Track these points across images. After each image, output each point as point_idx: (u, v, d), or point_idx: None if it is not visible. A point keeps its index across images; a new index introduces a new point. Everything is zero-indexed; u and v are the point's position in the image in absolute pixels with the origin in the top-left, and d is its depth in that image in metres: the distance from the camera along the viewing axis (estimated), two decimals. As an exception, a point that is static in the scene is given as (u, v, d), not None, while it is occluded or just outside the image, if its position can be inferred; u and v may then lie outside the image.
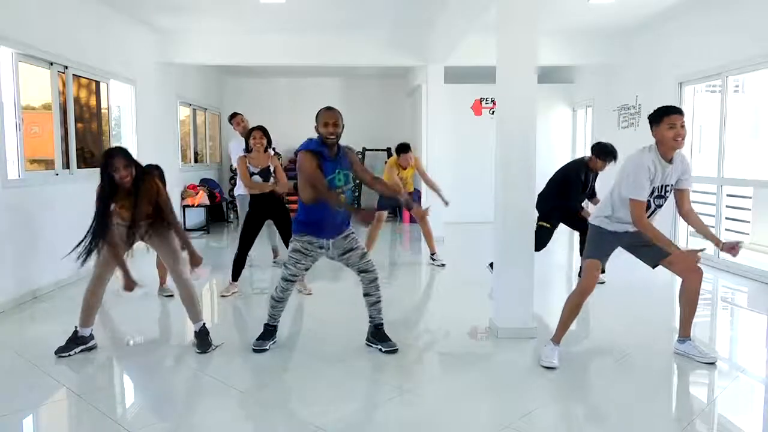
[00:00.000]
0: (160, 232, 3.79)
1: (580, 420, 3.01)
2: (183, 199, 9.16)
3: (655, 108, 3.43)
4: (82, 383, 3.41)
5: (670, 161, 3.37)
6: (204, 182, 10.08)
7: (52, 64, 5.59)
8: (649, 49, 7.72)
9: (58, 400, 3.20)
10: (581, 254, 5.68)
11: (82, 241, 3.57)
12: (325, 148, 3.58)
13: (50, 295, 5.28)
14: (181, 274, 3.80)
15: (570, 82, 10.48)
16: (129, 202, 3.64)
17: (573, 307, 3.54)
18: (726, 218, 6.63)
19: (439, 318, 4.82)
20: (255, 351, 3.73)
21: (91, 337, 3.78)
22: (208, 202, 9.48)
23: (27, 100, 5.46)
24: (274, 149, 5.64)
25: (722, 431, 2.91)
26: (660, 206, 3.46)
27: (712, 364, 3.51)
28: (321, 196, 3.48)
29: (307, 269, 3.83)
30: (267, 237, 6.29)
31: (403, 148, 6.48)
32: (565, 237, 8.01)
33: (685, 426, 2.82)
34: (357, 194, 11.70)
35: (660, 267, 3.59)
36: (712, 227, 6.60)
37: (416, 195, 7.78)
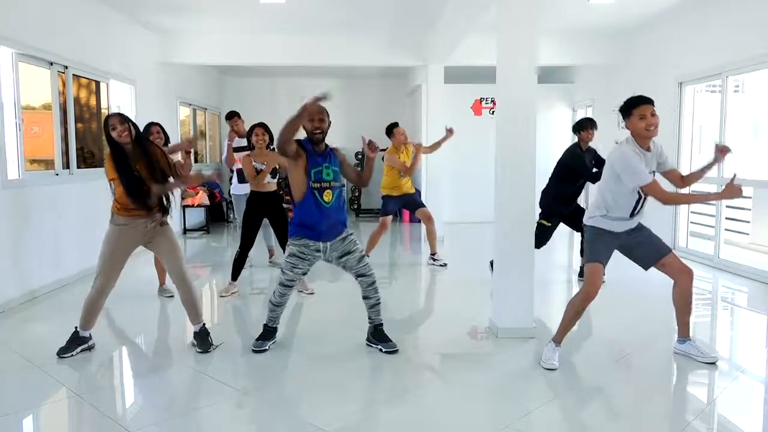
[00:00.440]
0: (162, 232, 3.77)
1: (580, 420, 3.00)
2: (183, 199, 9.16)
3: (624, 100, 3.45)
4: (82, 383, 3.41)
5: (648, 149, 3.41)
6: (204, 182, 10.07)
7: (52, 64, 5.59)
8: (649, 49, 7.72)
9: (58, 400, 3.20)
10: (581, 255, 5.69)
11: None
12: (311, 144, 3.58)
13: (50, 295, 5.27)
14: (182, 274, 3.79)
15: (570, 82, 10.48)
16: (142, 164, 3.63)
17: (576, 312, 3.53)
18: (726, 218, 6.63)
19: (439, 318, 4.82)
20: (255, 351, 3.73)
21: (90, 336, 3.78)
22: (208, 202, 9.49)
23: (27, 100, 5.47)
24: (274, 148, 5.63)
25: (722, 431, 2.91)
26: (647, 195, 3.45)
27: (713, 363, 3.51)
28: (288, 130, 3.33)
29: (304, 273, 3.81)
30: (263, 237, 6.28)
31: (389, 129, 6.42)
32: (565, 237, 8.01)
33: (685, 426, 2.82)
34: (357, 194, 11.71)
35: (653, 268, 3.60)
36: (712, 227, 6.61)
37: (417, 194, 7.75)
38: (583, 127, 5.41)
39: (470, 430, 2.80)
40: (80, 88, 6.35)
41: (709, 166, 3.56)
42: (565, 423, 2.98)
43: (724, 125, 6.23)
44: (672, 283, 3.55)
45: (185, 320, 3.94)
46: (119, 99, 7.19)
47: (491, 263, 5.05)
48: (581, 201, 5.74)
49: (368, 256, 6.48)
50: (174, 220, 8.76)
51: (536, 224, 5.36)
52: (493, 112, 9.85)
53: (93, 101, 6.76)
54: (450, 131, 6.59)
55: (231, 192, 6.45)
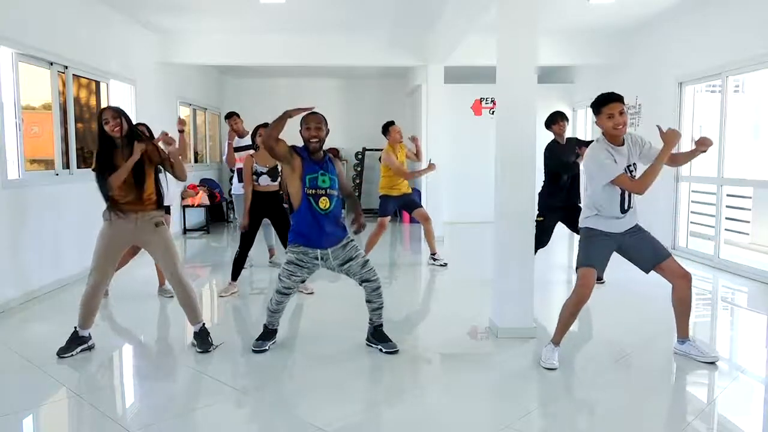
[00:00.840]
0: (157, 232, 3.76)
1: (579, 420, 3.00)
2: (183, 199, 9.16)
3: (595, 97, 3.48)
4: (82, 383, 3.41)
5: (621, 144, 3.45)
6: (204, 182, 10.08)
7: (52, 64, 5.59)
8: (649, 49, 7.72)
9: (58, 400, 3.20)
10: None
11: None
12: (307, 152, 3.58)
13: (50, 295, 5.27)
14: (178, 276, 3.78)
15: (570, 82, 10.49)
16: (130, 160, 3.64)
17: (570, 313, 3.54)
18: (726, 218, 6.63)
19: (439, 318, 4.82)
20: (255, 351, 3.73)
21: (90, 336, 3.78)
22: (208, 202, 9.49)
23: (27, 100, 5.47)
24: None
25: (722, 431, 2.91)
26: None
27: (713, 363, 3.51)
28: (271, 132, 3.44)
29: (303, 281, 3.81)
30: (263, 236, 6.28)
31: (385, 127, 6.42)
32: (565, 237, 8.00)
33: (685, 426, 2.82)
34: (357, 194, 11.70)
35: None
36: (712, 227, 6.61)
37: (417, 194, 7.79)
38: (553, 121, 5.44)
39: (470, 430, 2.79)
40: (80, 88, 6.35)
41: (692, 153, 3.55)
42: (565, 423, 2.98)
43: (724, 125, 6.23)
44: (670, 288, 3.56)
45: (185, 320, 3.94)
46: (119, 99, 7.19)
47: None
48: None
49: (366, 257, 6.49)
50: (174, 220, 8.76)
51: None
52: (493, 112, 9.85)
53: (93, 101, 6.76)
54: (432, 167, 6.58)
55: (231, 192, 6.45)
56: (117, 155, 3.66)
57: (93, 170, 3.70)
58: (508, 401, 3.15)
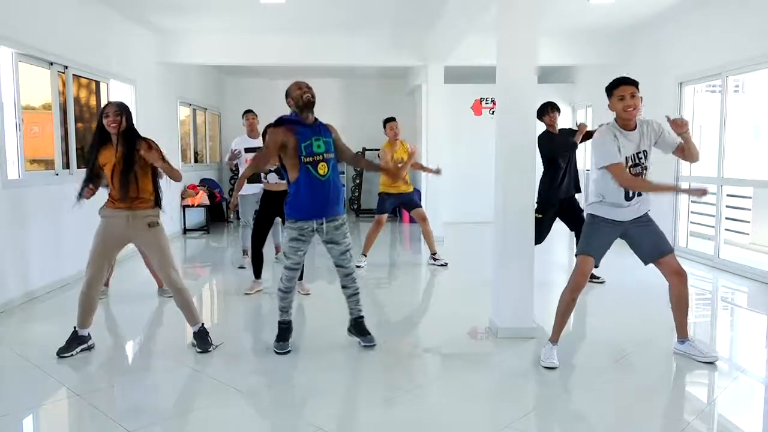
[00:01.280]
0: (151, 233, 3.74)
1: (579, 420, 3.00)
2: (183, 199, 9.16)
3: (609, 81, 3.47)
4: (82, 383, 3.41)
5: (632, 129, 3.42)
6: (204, 182, 10.09)
7: (52, 64, 5.59)
8: (649, 49, 7.72)
9: (58, 400, 3.20)
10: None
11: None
12: (298, 117, 3.58)
13: (50, 295, 5.27)
14: (173, 279, 3.76)
15: (570, 82, 10.48)
16: (120, 156, 3.61)
17: (566, 304, 3.55)
18: (726, 218, 6.63)
19: (438, 318, 4.82)
20: (278, 353, 3.69)
21: (89, 336, 3.78)
22: (208, 202, 9.48)
23: (27, 100, 5.46)
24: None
25: (722, 431, 2.91)
26: (639, 175, 3.42)
27: (713, 363, 3.51)
28: (257, 166, 3.78)
29: (305, 253, 3.80)
30: (272, 234, 6.27)
31: (383, 123, 6.43)
32: (564, 237, 8.00)
33: (685, 426, 2.82)
34: (357, 194, 11.70)
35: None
36: (712, 227, 6.61)
37: (417, 194, 7.77)
38: (544, 112, 5.43)
39: (470, 430, 2.79)
40: (80, 88, 6.35)
41: (686, 141, 3.50)
42: (565, 423, 2.98)
43: (724, 125, 6.23)
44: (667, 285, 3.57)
45: (185, 320, 3.93)
46: (119, 99, 7.19)
47: None
48: (580, 199, 5.72)
49: (366, 255, 6.50)
50: (174, 220, 8.78)
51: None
52: (493, 112, 9.85)
53: (93, 101, 6.76)
54: (437, 171, 6.65)
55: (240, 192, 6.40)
56: (106, 151, 3.64)
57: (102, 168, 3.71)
58: (508, 401, 3.15)
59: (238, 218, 6.61)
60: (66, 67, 5.82)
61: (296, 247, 3.67)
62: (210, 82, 11.07)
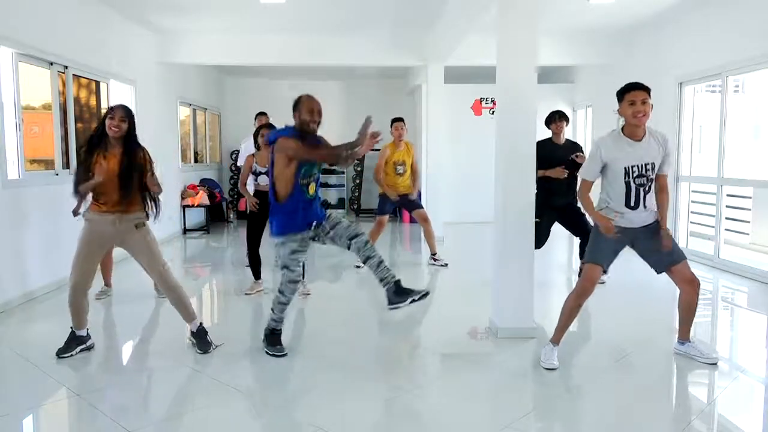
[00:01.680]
0: (137, 234, 3.71)
1: (579, 420, 3.00)
2: (183, 199, 9.16)
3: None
4: (82, 383, 3.41)
5: (640, 139, 3.37)
6: (204, 182, 10.09)
7: (52, 64, 5.59)
8: (649, 49, 7.72)
9: (58, 400, 3.20)
10: (581, 257, 5.65)
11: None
12: (302, 138, 3.52)
13: (50, 295, 5.27)
14: (165, 276, 3.75)
15: (570, 82, 10.48)
16: (115, 161, 3.59)
17: (571, 309, 3.54)
18: (726, 218, 6.63)
19: (439, 318, 4.81)
20: (276, 356, 3.66)
21: (88, 336, 3.78)
22: (208, 202, 9.49)
23: (27, 100, 5.46)
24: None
25: (722, 431, 2.91)
26: (643, 186, 3.38)
27: (714, 364, 3.51)
28: (325, 156, 3.54)
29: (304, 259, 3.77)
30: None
31: (394, 120, 6.39)
32: (564, 238, 8.00)
33: (685, 426, 2.82)
34: (357, 194, 11.70)
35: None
36: (712, 227, 6.61)
37: (417, 194, 7.75)
38: (552, 120, 5.41)
39: (470, 430, 2.79)
40: (80, 88, 6.35)
41: (662, 221, 3.50)
42: (565, 423, 2.98)
43: (724, 125, 6.23)
44: (677, 290, 3.56)
45: (184, 320, 3.93)
46: (119, 99, 7.19)
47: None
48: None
49: None
50: (174, 220, 8.77)
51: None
52: (493, 112, 9.85)
53: (93, 101, 6.76)
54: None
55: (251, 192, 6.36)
56: (100, 154, 3.60)
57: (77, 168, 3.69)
58: (508, 401, 3.15)
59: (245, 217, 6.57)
60: (66, 67, 5.82)
61: (297, 258, 3.64)
62: (210, 82, 11.07)
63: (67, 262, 5.52)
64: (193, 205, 9.28)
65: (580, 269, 5.60)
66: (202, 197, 9.37)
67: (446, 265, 6.49)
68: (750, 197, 7.90)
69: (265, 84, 11.74)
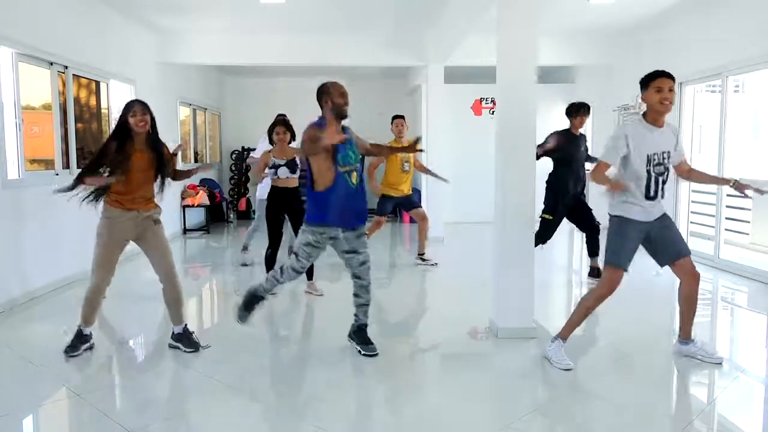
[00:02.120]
0: (153, 229, 3.76)
1: (579, 420, 3.00)
2: (183, 199, 9.16)
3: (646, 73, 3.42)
4: (82, 383, 3.41)
5: (661, 126, 3.37)
6: (204, 182, 10.08)
7: (52, 64, 5.59)
8: (649, 49, 7.72)
9: (58, 400, 3.20)
10: (590, 254, 5.66)
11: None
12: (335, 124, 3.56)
13: (50, 295, 5.27)
14: (174, 273, 3.79)
15: (570, 82, 10.48)
16: (146, 156, 3.64)
17: (587, 309, 3.51)
18: (726, 218, 6.62)
19: (438, 318, 4.82)
20: (240, 323, 3.72)
21: (91, 335, 3.78)
22: (208, 202, 9.48)
23: (27, 100, 5.46)
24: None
25: (722, 431, 2.91)
26: (661, 175, 3.36)
27: (719, 364, 3.50)
28: (324, 144, 3.44)
29: (316, 258, 3.78)
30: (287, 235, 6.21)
31: (394, 117, 6.39)
32: (564, 237, 8.01)
33: (685, 426, 2.82)
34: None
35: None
36: (712, 227, 6.61)
37: (416, 194, 7.77)
38: (577, 112, 5.38)
39: (470, 430, 2.79)
40: (80, 88, 6.35)
41: (722, 182, 3.53)
42: (565, 423, 2.98)
43: (724, 125, 6.23)
44: (677, 284, 3.55)
45: (185, 320, 3.93)
46: (119, 99, 7.19)
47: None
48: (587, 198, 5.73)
49: None
50: (174, 220, 8.77)
51: (539, 219, 5.35)
52: (493, 112, 9.84)
53: (93, 101, 6.76)
54: (446, 180, 6.69)
55: (257, 196, 6.33)
56: (127, 151, 3.60)
57: (93, 161, 3.68)
58: (508, 401, 3.16)
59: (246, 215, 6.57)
60: (66, 67, 5.82)
61: (310, 252, 3.62)
62: (210, 82, 11.07)
63: (67, 262, 5.56)
64: (193, 205, 9.28)
65: (591, 268, 5.63)
66: (202, 197, 9.37)
67: (435, 264, 6.47)
68: (750, 197, 7.88)
69: (265, 84, 11.73)
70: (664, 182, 3.39)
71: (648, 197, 3.36)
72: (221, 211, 10.46)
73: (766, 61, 5.69)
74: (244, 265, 6.32)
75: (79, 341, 3.70)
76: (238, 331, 4.42)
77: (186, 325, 3.85)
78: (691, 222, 7.23)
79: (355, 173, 3.59)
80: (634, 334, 4.14)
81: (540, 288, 4.39)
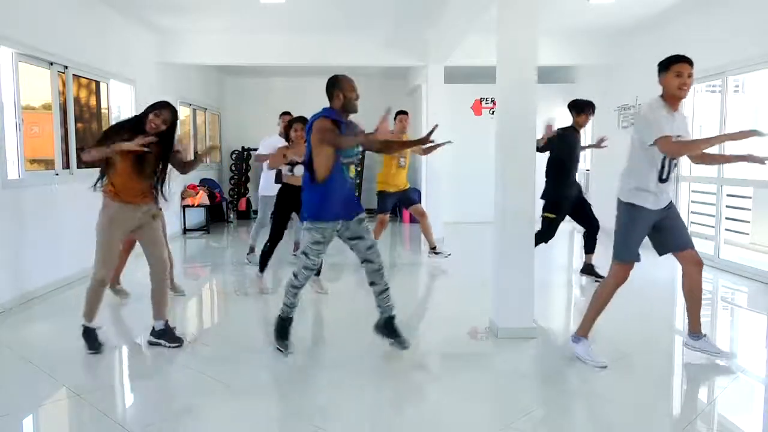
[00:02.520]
0: (152, 222, 3.81)
1: (579, 420, 3.00)
2: (183, 199, 9.16)
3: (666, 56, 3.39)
4: (82, 383, 3.40)
5: (676, 110, 3.35)
6: (204, 182, 10.08)
7: (52, 64, 5.59)
8: (649, 49, 7.70)
9: (58, 400, 3.20)
10: (585, 251, 5.67)
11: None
12: (340, 117, 3.57)
13: (50, 295, 5.27)
14: (164, 266, 3.84)
15: (570, 82, 10.48)
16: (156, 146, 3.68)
17: (604, 300, 3.49)
18: (726, 218, 6.63)
19: (439, 318, 4.82)
20: (283, 353, 3.65)
21: (98, 328, 3.81)
22: (208, 202, 9.49)
23: (27, 100, 5.46)
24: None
25: (722, 431, 2.91)
26: (673, 159, 3.35)
27: (731, 357, 3.51)
28: (351, 143, 3.53)
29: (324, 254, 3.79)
30: (291, 230, 6.21)
31: (398, 113, 6.37)
32: (564, 237, 8.01)
33: (685, 426, 2.82)
34: (357, 194, 11.69)
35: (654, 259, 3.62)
36: (712, 227, 6.60)
37: (416, 194, 7.76)
38: (583, 110, 5.38)
39: (470, 430, 2.80)
40: (80, 88, 6.35)
41: (731, 158, 3.51)
42: (565, 423, 2.98)
43: (724, 125, 6.23)
44: (677, 282, 3.56)
45: (185, 321, 3.95)
46: (119, 99, 7.19)
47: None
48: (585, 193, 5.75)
49: None
50: (174, 220, 8.77)
51: (542, 219, 5.35)
52: (493, 112, 9.84)
53: (93, 101, 6.76)
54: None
55: (259, 192, 6.36)
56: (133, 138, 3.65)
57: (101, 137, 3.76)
58: (508, 401, 3.15)
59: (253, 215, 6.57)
60: (66, 67, 5.81)
61: (318, 249, 3.63)
62: (210, 82, 11.07)
63: (67, 262, 5.56)
64: (193, 205, 9.28)
65: (585, 264, 5.64)
66: (202, 197, 9.37)
67: (449, 255, 6.47)
68: (750, 197, 7.89)
69: (265, 84, 11.73)
70: (675, 165, 3.40)
71: (661, 179, 3.35)
72: (221, 211, 10.46)
73: (766, 61, 5.69)
74: (248, 263, 6.31)
75: (91, 337, 3.72)
76: (238, 332, 4.42)
77: (167, 321, 3.88)
78: (691, 222, 7.23)
79: (353, 166, 3.64)
80: (633, 333, 4.14)
81: (540, 288, 4.39)
